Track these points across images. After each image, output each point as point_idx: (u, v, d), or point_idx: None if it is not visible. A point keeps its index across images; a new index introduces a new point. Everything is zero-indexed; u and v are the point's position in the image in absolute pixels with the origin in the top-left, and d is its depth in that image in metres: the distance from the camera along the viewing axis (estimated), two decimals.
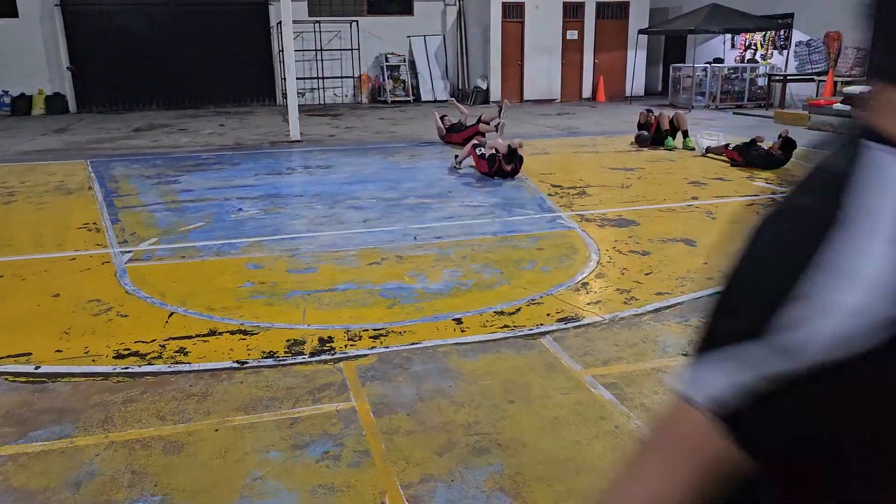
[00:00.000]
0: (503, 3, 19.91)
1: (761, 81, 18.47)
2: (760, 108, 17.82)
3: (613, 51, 21.09)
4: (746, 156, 9.26)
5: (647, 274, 5.09)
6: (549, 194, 7.85)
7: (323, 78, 20.84)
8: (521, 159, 8.62)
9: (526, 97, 20.67)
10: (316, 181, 8.82)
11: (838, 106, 12.95)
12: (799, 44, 16.63)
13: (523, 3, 20.08)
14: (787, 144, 9.03)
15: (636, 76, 20.88)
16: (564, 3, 20.37)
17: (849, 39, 15.93)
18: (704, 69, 18.32)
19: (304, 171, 9.59)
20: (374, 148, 11.69)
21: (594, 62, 21.02)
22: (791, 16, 17.70)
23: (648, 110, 12.11)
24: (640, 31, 19.92)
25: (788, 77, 16.31)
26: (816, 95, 16.43)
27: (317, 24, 20.21)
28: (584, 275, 5.08)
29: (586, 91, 21.24)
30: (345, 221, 6.75)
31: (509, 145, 8.51)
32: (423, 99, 21.59)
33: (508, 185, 8.42)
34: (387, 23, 21.65)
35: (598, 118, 16.07)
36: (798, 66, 16.66)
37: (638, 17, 20.99)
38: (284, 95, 21.00)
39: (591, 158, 10.41)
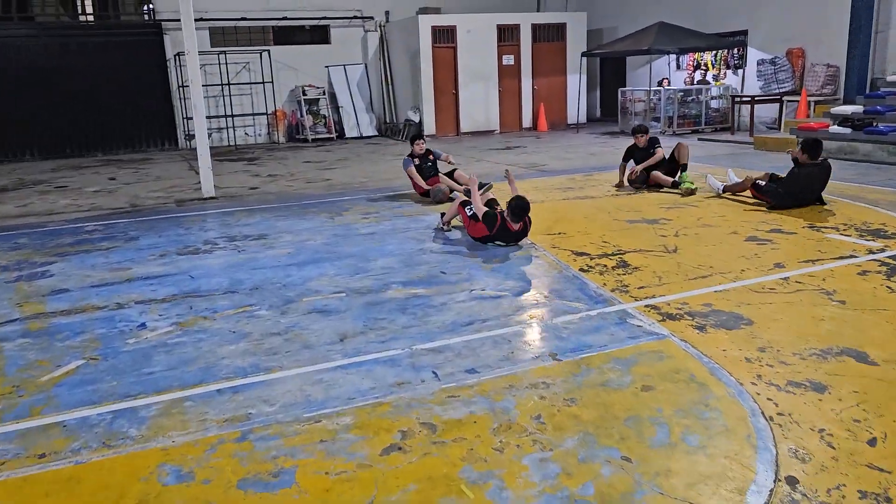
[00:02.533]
0: (433, 26, 17.95)
1: (715, 104, 17.23)
2: (719, 132, 16.52)
3: (552, 76, 19.49)
4: (783, 186, 7.61)
5: (869, 443, 3.00)
6: (582, 269, 5.72)
7: (232, 116, 18.22)
8: (528, 218, 6.52)
9: (462, 129, 18.72)
10: (249, 263, 6.36)
11: (835, 129, 11.55)
12: (762, 62, 15.40)
13: (454, 26, 18.20)
14: (811, 146, 7.59)
15: (580, 102, 19.30)
16: (498, 25, 18.63)
17: (814, 56, 14.80)
18: (657, 92, 16.88)
19: (230, 245, 7.10)
20: (313, 203, 9.30)
21: (533, 88, 19.32)
22: (745, 33, 16.53)
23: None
24: (584, 54, 18.38)
25: (756, 98, 14.98)
26: (780, 117, 15.23)
27: (222, 55, 17.62)
28: (771, 454, 2.93)
29: (526, 120, 19.51)
30: (312, 344, 4.38)
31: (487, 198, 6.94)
32: (347, 135, 19.32)
33: (515, 254, 6.25)
34: (301, 52, 19.30)
35: (556, 152, 14.22)
36: (763, 85, 15.41)
37: (575, 40, 19.49)
38: (188, 137, 18.27)
39: (590, 206, 8.40)
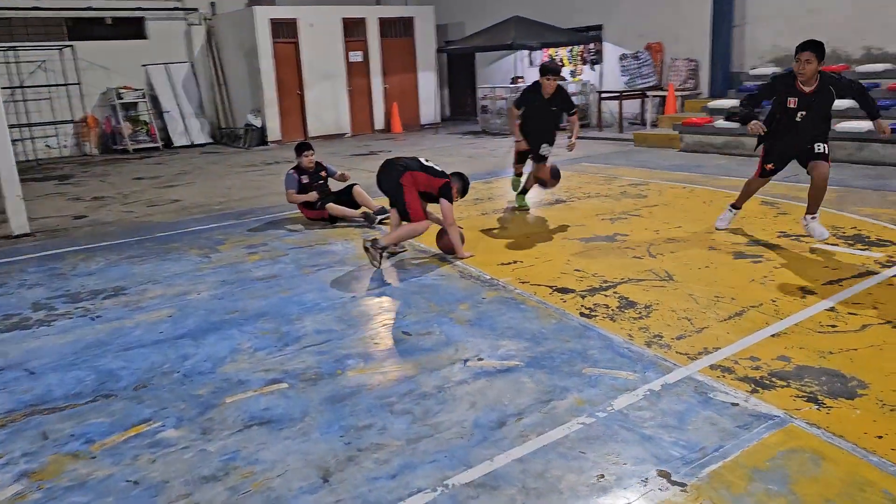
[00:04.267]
0: (271, 20, 15.98)
1: (574, 100, 16.78)
2: (582, 129, 16.11)
3: (403, 73, 18.24)
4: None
5: None
6: (584, 314, 4.47)
7: (28, 125, 15.09)
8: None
9: (311, 133, 16.91)
10: (116, 339, 4.43)
11: (722, 123, 11.30)
12: (625, 57, 15.13)
13: (295, 19, 16.35)
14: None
15: (433, 101, 18.19)
16: (344, 19, 17.03)
17: (673, 51, 14.75)
18: (518, 90, 16.12)
19: (76, 309, 5.06)
20: (171, 235, 7.30)
21: (384, 87, 17.95)
22: (599, 27, 16.27)
23: None
24: (441, 49, 17.30)
25: (624, 94, 14.66)
26: (643, 112, 15.08)
27: (11, 52, 14.50)
28: None
29: (379, 121, 18.09)
30: (281, 495, 2.72)
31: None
32: (175, 144, 16.79)
33: (486, 297, 4.87)
34: (112, 49, 16.48)
35: (428, 156, 12.90)
36: (628, 81, 15.14)
37: (424, 35, 18.37)
38: None
39: (522, 222, 7.24)
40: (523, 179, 7.87)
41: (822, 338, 3.93)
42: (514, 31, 15.13)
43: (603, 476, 2.73)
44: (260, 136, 16.30)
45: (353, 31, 17.25)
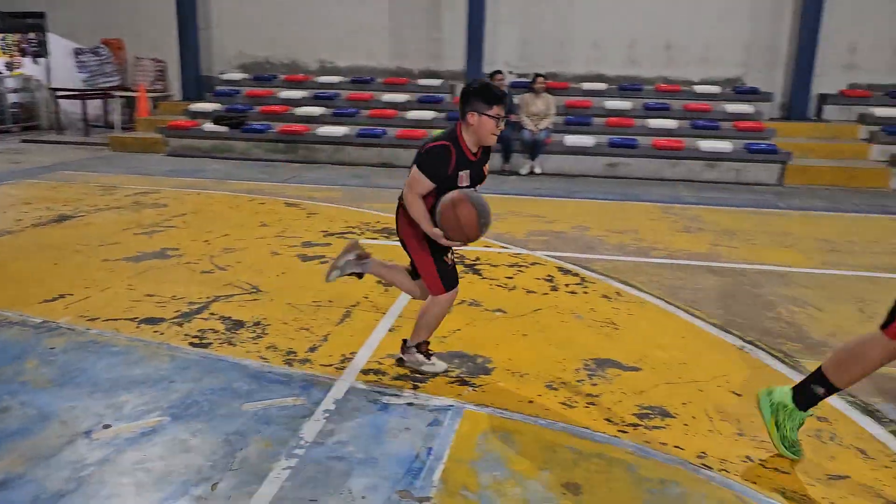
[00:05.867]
0: None
1: (16, 97, 14.47)
2: (28, 131, 13.97)
3: None
4: None
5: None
6: (195, 344, 3.93)
7: None
8: None
9: None
10: None
11: (211, 127, 11.21)
12: (82, 52, 13.58)
13: None
14: None
15: None
16: None
17: (136, 49, 13.89)
18: None
19: None
20: None
21: None
22: (42, 15, 14.26)
23: None
24: None
25: (87, 93, 13.14)
26: (106, 114, 13.92)
27: None
28: None
29: None
30: None
31: None
32: None
33: (52, 345, 3.84)
34: None
35: None
36: (88, 78, 13.62)
37: None
38: None
39: (32, 247, 5.90)
40: None
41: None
42: None
43: None
44: None
45: None
